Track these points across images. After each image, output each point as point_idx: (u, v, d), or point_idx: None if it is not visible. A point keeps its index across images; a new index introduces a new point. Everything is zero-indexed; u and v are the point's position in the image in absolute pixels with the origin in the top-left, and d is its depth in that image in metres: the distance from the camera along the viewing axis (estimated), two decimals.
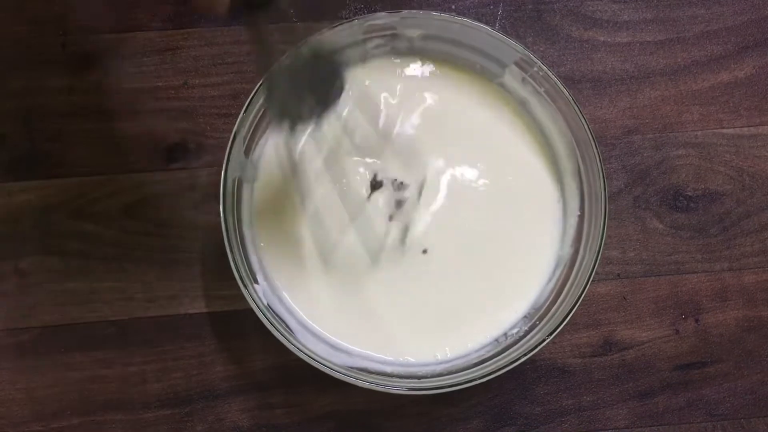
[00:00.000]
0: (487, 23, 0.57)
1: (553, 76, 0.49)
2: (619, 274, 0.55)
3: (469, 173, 0.51)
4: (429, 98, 0.52)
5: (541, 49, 0.57)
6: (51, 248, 0.53)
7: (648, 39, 0.58)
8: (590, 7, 0.58)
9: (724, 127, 0.57)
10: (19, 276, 0.52)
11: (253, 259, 0.49)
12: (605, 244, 0.54)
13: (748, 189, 0.56)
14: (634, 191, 0.56)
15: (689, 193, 0.56)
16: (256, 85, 0.49)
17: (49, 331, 0.52)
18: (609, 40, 0.58)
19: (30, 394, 0.51)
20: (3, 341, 0.52)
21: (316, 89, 0.43)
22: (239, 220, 0.48)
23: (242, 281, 0.46)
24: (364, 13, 0.57)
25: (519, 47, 0.49)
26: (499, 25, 0.58)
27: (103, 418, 0.51)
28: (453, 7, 0.58)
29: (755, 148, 0.57)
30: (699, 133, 0.57)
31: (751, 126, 0.57)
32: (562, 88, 0.49)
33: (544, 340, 0.46)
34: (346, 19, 0.49)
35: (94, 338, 0.52)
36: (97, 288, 0.53)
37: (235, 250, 0.46)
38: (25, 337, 0.52)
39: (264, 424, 0.52)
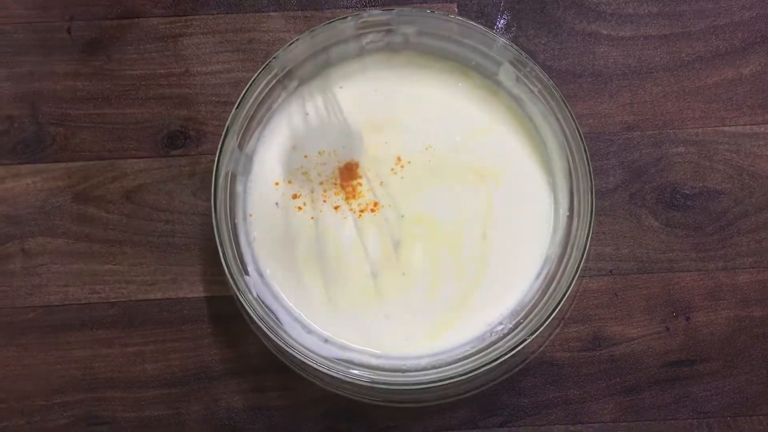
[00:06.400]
0: (489, 14, 0.57)
1: (545, 77, 0.49)
2: (611, 270, 0.55)
3: (460, 170, 0.52)
4: (423, 93, 0.53)
5: (543, 41, 0.57)
6: (55, 230, 0.54)
7: (652, 33, 0.57)
8: (594, 0, 0.58)
9: (726, 125, 0.56)
10: (25, 256, 0.54)
11: (246, 251, 0.50)
12: (598, 240, 0.55)
13: (747, 188, 0.56)
14: (630, 188, 0.56)
15: (687, 191, 0.56)
16: (254, 74, 0.50)
17: (53, 310, 0.54)
18: (612, 33, 0.57)
19: (34, 371, 0.53)
20: (8, 319, 0.54)
21: None
22: (233, 213, 0.49)
23: (231, 275, 0.47)
24: (363, 2, 0.57)
25: (513, 47, 0.49)
26: (502, 15, 0.57)
27: (103, 396, 0.53)
28: None
29: (757, 146, 0.56)
30: (700, 130, 0.56)
31: (754, 124, 0.56)
32: (553, 89, 0.49)
33: (525, 340, 0.47)
34: (345, 9, 0.50)
35: (95, 318, 0.54)
36: (99, 270, 0.54)
37: (226, 244, 0.47)
38: (29, 316, 0.54)
39: (257, 406, 0.53)
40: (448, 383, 0.47)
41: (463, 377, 0.47)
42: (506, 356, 0.47)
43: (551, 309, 0.47)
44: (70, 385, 0.53)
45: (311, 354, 0.47)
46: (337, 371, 0.47)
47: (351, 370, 0.48)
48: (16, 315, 0.54)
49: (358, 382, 0.47)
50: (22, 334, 0.54)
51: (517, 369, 0.54)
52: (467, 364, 0.48)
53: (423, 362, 0.49)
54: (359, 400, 0.53)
